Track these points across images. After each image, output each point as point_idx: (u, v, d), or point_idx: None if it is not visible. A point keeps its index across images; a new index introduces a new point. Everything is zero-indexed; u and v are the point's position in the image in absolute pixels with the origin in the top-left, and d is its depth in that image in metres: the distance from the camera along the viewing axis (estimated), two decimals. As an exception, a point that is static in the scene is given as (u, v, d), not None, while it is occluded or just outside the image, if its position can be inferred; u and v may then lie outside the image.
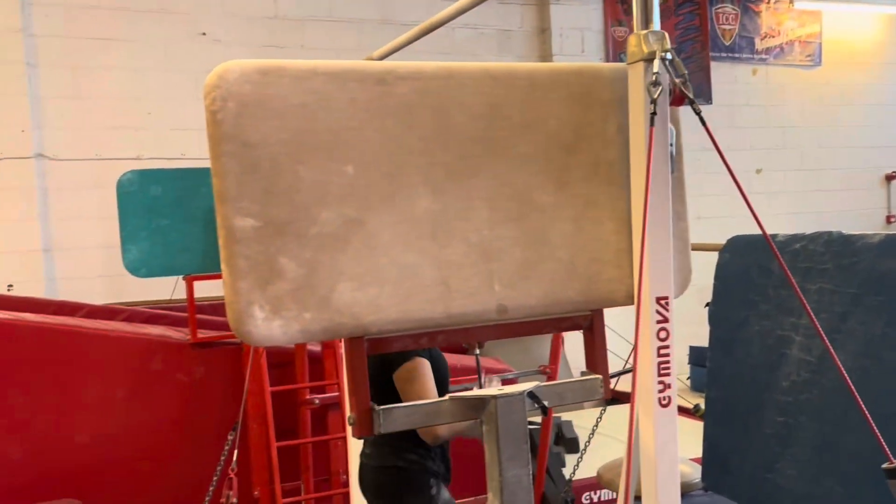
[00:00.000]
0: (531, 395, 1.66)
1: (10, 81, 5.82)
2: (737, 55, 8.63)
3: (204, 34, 6.49)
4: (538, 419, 4.26)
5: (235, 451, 3.32)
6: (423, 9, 7.13)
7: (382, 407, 1.59)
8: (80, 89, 6.13)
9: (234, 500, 3.34)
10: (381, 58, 2.77)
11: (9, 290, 5.34)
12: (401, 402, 2.62)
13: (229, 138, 1.41)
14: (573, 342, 4.64)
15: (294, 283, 1.45)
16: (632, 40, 1.61)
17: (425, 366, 2.72)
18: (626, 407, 1.39)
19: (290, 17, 6.79)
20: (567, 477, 4.45)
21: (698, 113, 1.62)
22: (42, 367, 3.52)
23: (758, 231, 1.70)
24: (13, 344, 3.41)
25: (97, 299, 5.15)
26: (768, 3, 8.75)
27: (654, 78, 1.57)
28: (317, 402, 4.05)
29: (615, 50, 8.07)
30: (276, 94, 1.44)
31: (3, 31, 5.80)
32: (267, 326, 1.44)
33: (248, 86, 1.41)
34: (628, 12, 8.08)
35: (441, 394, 2.76)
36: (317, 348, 4.16)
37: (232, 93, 1.40)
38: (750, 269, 2.30)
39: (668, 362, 1.67)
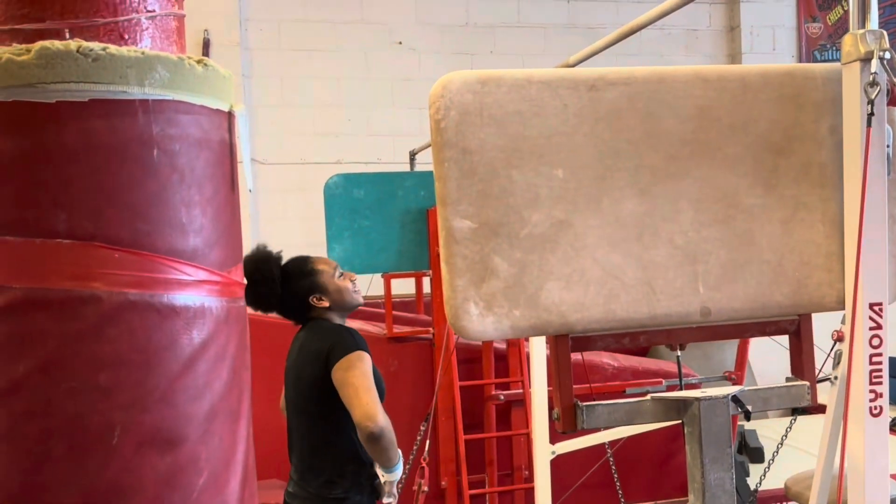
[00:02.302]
0: (735, 398, 1.65)
1: (230, 92, 6.39)
2: (944, 48, 7.99)
3: (400, 43, 6.78)
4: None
5: (427, 441, 3.45)
6: (611, 13, 7.08)
7: (586, 403, 1.63)
8: (286, 98, 6.58)
9: (426, 488, 3.46)
10: (577, 63, 2.82)
11: (220, 285, 5.80)
12: (339, 404, 2.47)
13: (451, 145, 1.50)
14: (756, 348, 4.47)
15: (506, 282, 1.53)
16: (847, 40, 1.58)
17: (366, 359, 2.50)
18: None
19: (481, 24, 6.96)
20: (752, 487, 4.32)
21: (920, 113, 1.57)
22: (253, 357, 3.79)
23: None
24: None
25: (298, 296, 5.49)
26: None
27: (871, 78, 1.53)
28: (502, 398, 4.15)
29: (808, 48, 7.68)
30: (494, 102, 1.52)
31: (226, 45, 6.33)
32: (481, 322, 1.53)
33: (469, 95, 1.50)
34: (823, 7, 7.66)
35: None
36: (502, 346, 4.25)
37: (454, 102, 1.50)
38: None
39: (880, 371, 1.64)
